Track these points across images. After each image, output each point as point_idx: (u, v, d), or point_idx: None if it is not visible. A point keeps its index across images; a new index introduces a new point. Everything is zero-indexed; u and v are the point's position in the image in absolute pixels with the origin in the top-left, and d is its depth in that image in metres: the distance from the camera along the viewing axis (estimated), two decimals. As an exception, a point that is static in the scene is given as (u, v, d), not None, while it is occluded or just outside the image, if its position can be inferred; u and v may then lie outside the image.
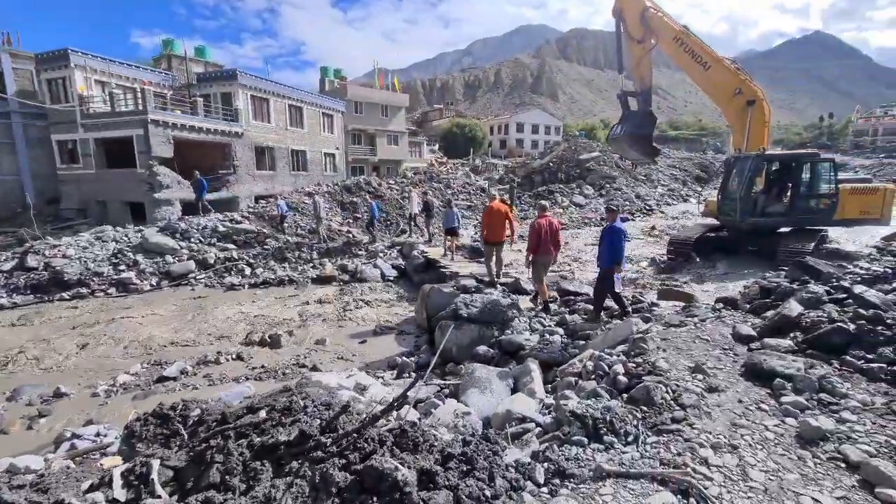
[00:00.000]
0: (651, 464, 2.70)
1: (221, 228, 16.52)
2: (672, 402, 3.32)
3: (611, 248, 6.56)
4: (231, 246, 15.86)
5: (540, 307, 7.79)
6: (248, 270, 14.52)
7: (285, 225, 17.57)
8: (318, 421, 2.72)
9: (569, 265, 12.54)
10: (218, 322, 10.31)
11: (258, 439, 2.68)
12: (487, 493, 2.47)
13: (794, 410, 3.18)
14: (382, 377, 6.85)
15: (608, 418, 3.10)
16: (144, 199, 18.94)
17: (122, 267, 13.94)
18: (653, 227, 18.44)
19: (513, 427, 3.95)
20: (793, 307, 4.58)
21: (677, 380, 3.65)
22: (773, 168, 11.62)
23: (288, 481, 2.37)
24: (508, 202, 17.88)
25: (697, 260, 11.35)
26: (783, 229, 11.16)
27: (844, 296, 4.70)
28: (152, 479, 2.48)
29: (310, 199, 19.43)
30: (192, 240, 15.85)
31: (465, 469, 2.61)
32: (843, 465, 2.64)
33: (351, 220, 19.77)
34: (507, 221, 9.35)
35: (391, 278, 13.88)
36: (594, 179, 28.57)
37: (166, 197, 18.97)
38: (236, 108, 23.16)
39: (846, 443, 2.79)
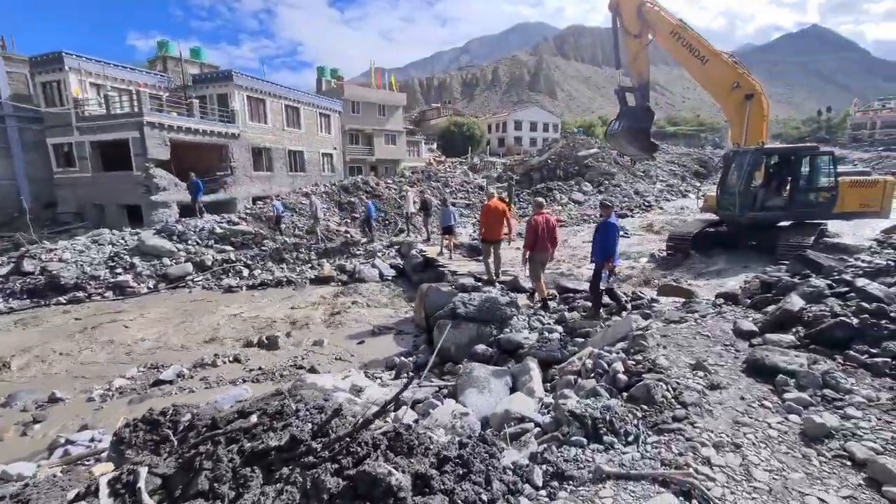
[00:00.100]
0: (652, 464, 2.63)
1: (219, 230, 16.45)
2: (673, 400, 3.25)
3: (604, 243, 6.50)
4: (229, 248, 15.79)
5: (538, 305, 7.73)
6: (245, 272, 14.45)
7: (283, 226, 17.50)
8: (310, 425, 2.65)
9: (566, 262, 12.47)
10: (215, 324, 10.24)
11: (248, 445, 2.61)
12: (484, 497, 2.41)
13: (798, 407, 3.11)
14: (381, 378, 6.79)
15: (608, 418, 3.03)
16: (141, 202, 18.85)
17: (119, 270, 13.87)
18: (650, 225, 18.36)
19: (511, 427, 3.89)
20: (794, 301, 4.51)
21: (678, 377, 3.58)
22: (773, 162, 11.55)
23: (278, 488, 2.30)
24: (507, 200, 17.80)
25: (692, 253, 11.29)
26: (783, 223, 11.10)
27: (847, 289, 4.63)
28: (139, 488, 2.41)
29: (307, 200, 19.36)
30: (190, 242, 15.78)
31: (461, 472, 2.55)
32: (848, 463, 2.57)
33: (349, 220, 19.69)
34: (504, 219, 9.28)
35: (389, 278, 13.82)
36: (593, 176, 28.51)
37: (163, 199, 18.88)
38: (232, 109, 23.05)
39: (851, 440, 2.72)
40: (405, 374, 6.71)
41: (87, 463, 4.68)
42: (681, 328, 4.80)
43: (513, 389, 5.19)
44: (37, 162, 21.71)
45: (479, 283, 9.04)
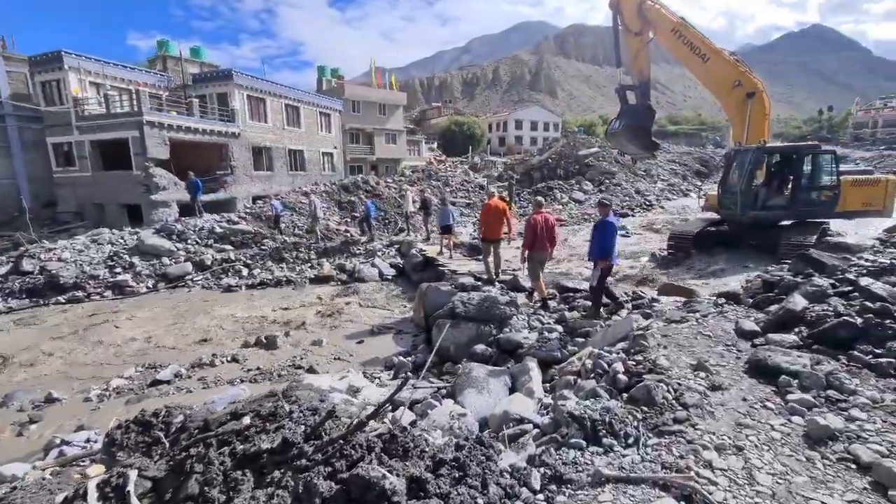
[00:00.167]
0: (652, 467, 2.57)
1: (218, 229, 16.40)
2: (674, 401, 3.20)
3: (601, 242, 6.46)
4: (228, 247, 15.74)
5: (538, 304, 7.67)
6: (245, 271, 14.39)
7: (282, 225, 17.45)
8: (303, 427, 2.60)
9: (567, 261, 12.41)
10: (214, 324, 10.20)
11: (240, 447, 2.56)
12: (480, 501, 2.35)
13: (801, 408, 3.05)
14: (379, 378, 6.74)
15: (607, 420, 2.98)
16: (141, 201, 18.82)
17: (118, 270, 13.83)
18: (651, 224, 18.29)
19: (510, 428, 3.84)
20: (797, 301, 4.45)
21: (679, 378, 3.52)
22: (774, 161, 11.47)
23: (269, 492, 2.25)
24: (507, 199, 17.74)
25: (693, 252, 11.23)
26: (784, 222, 11.03)
27: (850, 289, 4.56)
28: (128, 492, 2.36)
29: (307, 199, 19.31)
30: (189, 241, 15.74)
31: (457, 476, 2.49)
32: (853, 466, 2.52)
33: (349, 220, 19.64)
34: (504, 219, 9.23)
35: (389, 277, 13.76)
36: (593, 175, 28.41)
37: (163, 199, 18.85)
38: (232, 108, 23.01)
39: (856, 442, 2.67)
40: (403, 374, 6.66)
41: (82, 464, 4.63)
42: (682, 328, 4.74)
43: (512, 390, 5.14)
44: (37, 161, 21.69)
45: (479, 283, 8.99)
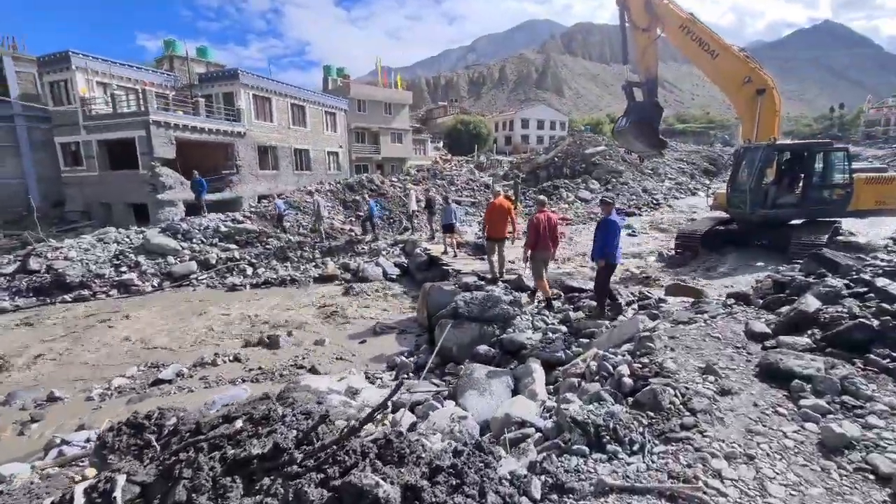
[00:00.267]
0: (658, 477, 2.46)
1: (223, 228, 16.42)
2: (681, 406, 3.08)
3: (603, 241, 6.35)
4: (233, 246, 15.76)
5: (542, 304, 7.55)
6: (249, 270, 14.40)
7: (287, 224, 17.44)
8: (295, 432, 2.51)
9: (572, 260, 12.27)
10: (217, 323, 10.18)
11: (231, 452, 2.48)
12: (478, 511, 2.26)
13: (815, 415, 2.93)
14: (381, 378, 6.67)
15: (611, 425, 2.87)
16: (147, 201, 18.91)
17: (124, 268, 13.88)
18: (658, 223, 18.07)
19: (512, 432, 3.74)
20: (810, 302, 4.30)
21: (686, 382, 3.40)
22: (785, 158, 11.25)
23: (258, 500, 2.17)
24: (513, 198, 17.60)
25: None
26: (795, 221, 10.81)
27: (865, 289, 4.41)
28: (114, 498, 2.29)
29: (311, 198, 19.30)
30: (194, 240, 15.77)
31: (454, 483, 2.40)
32: (871, 477, 2.39)
33: (353, 219, 19.60)
34: (509, 217, 9.12)
35: (393, 276, 13.68)
36: (600, 174, 28.16)
37: (169, 198, 18.92)
38: (238, 107, 23.07)
39: (874, 451, 2.54)
40: (405, 375, 6.58)
41: (81, 464, 4.60)
42: (690, 329, 4.61)
43: (515, 392, 5.05)
44: (45, 161, 21.88)
45: (482, 282, 8.88)
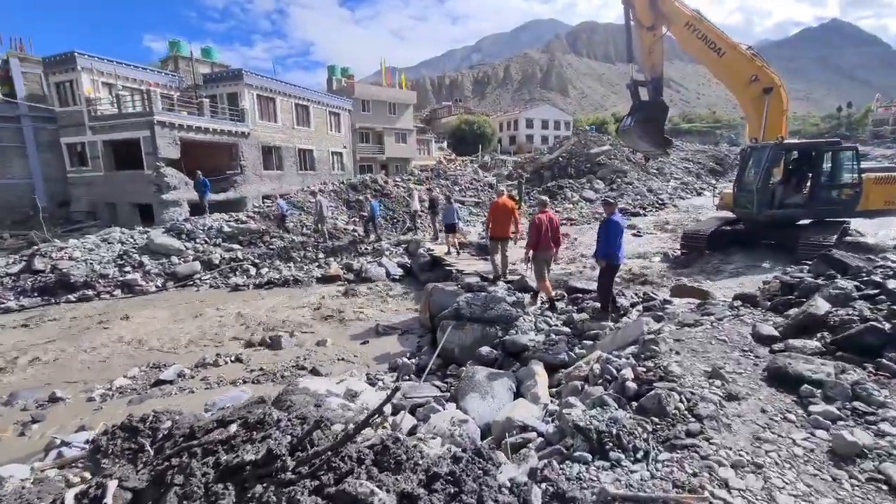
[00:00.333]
0: (663, 486, 2.38)
1: (227, 229, 16.43)
2: (686, 412, 2.99)
3: (605, 241, 6.27)
4: (236, 246, 15.76)
5: (546, 306, 7.47)
6: (253, 270, 14.39)
7: (290, 224, 17.43)
8: (289, 438, 2.46)
9: (576, 261, 12.17)
10: (220, 323, 10.16)
11: (224, 458, 2.42)
12: (475, 520, 2.19)
13: (826, 422, 2.84)
14: (382, 380, 6.61)
15: (615, 431, 2.79)
16: (152, 201, 18.97)
17: (128, 268, 13.90)
18: (664, 223, 17.93)
19: (513, 437, 3.67)
20: (819, 304, 4.20)
21: (692, 387, 3.32)
22: (792, 158, 11.11)
23: (249, 508, 2.11)
24: (517, 198, 17.50)
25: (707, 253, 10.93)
26: (803, 221, 10.67)
27: (877, 291, 4.31)
28: (105, 503, 2.24)
29: (313, 199, 19.29)
30: (198, 240, 15.78)
31: (451, 492, 2.33)
32: (885, 487, 2.30)
33: (357, 219, 19.58)
34: (512, 217, 9.04)
35: (397, 277, 13.64)
36: (605, 174, 28.02)
37: (174, 198, 18.97)
38: (242, 108, 23.10)
39: (887, 461, 2.45)
40: (407, 377, 6.52)
41: (80, 466, 4.56)
42: (695, 332, 4.52)
43: (517, 394, 4.98)
44: (51, 161, 21.99)
45: (485, 283, 8.81)
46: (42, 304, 12.25)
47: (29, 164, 21.89)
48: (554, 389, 4.91)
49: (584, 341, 5.84)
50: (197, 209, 18.93)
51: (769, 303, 5.23)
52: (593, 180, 27.29)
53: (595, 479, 2.51)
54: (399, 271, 13.92)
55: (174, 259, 14.55)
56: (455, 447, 3.41)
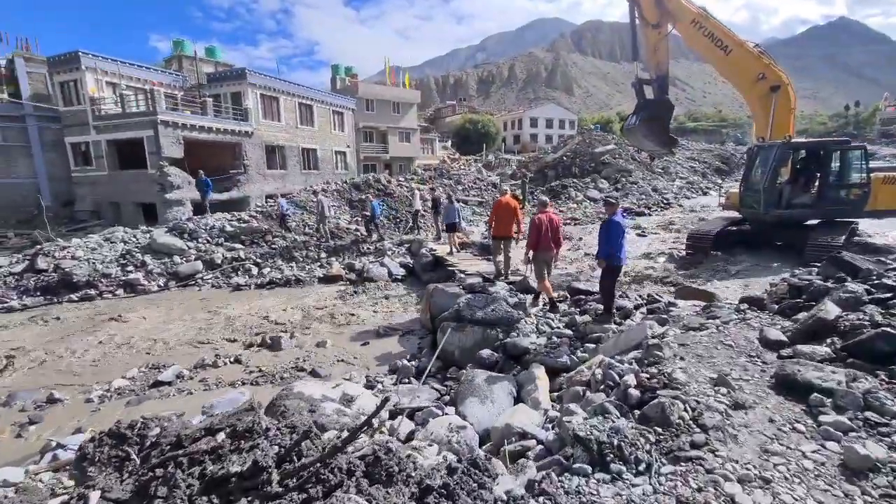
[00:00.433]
0: (666, 501, 2.28)
1: (229, 228, 16.41)
2: (691, 422, 2.89)
3: (606, 242, 6.15)
4: (238, 245, 15.73)
5: (547, 307, 7.36)
6: (254, 270, 14.35)
7: (291, 224, 17.38)
8: (277, 448, 2.37)
9: (578, 261, 12.04)
10: (221, 323, 10.11)
11: (210, 468, 2.34)
12: (469, 537, 2.10)
13: (836, 433, 2.72)
14: (381, 382, 6.52)
15: (616, 442, 2.69)
16: (156, 200, 18.99)
17: (130, 268, 13.89)
18: (669, 223, 17.76)
19: (511, 444, 3.58)
20: (829, 308, 4.08)
21: (697, 394, 3.20)
22: (800, 157, 10.94)
23: (233, 524, 2.03)
24: (520, 197, 17.38)
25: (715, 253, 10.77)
26: (810, 222, 10.50)
27: (889, 295, 4.18)
28: (86, 516, 2.17)
29: (315, 198, 19.24)
30: (200, 240, 15.76)
31: (445, 506, 2.24)
32: (900, 504, 2.19)
33: (360, 219, 19.51)
34: (515, 216, 8.93)
35: (399, 277, 13.55)
36: (609, 173, 27.82)
37: (177, 197, 18.98)
38: (246, 107, 23.10)
39: (902, 476, 2.34)
40: (406, 379, 6.44)
41: (76, 469, 4.51)
42: (700, 336, 4.40)
43: (518, 399, 4.88)
44: (56, 161, 22.08)
45: (487, 283, 8.71)
46: (45, 304, 12.25)
47: (34, 164, 21.99)
48: (555, 394, 4.80)
49: (587, 344, 5.73)
50: (199, 209, 18.94)
51: (776, 306, 5.10)
52: (598, 180, 27.10)
53: (595, 492, 2.40)
54: (401, 271, 13.83)
55: (176, 258, 14.54)
56: (452, 455, 3.32)
